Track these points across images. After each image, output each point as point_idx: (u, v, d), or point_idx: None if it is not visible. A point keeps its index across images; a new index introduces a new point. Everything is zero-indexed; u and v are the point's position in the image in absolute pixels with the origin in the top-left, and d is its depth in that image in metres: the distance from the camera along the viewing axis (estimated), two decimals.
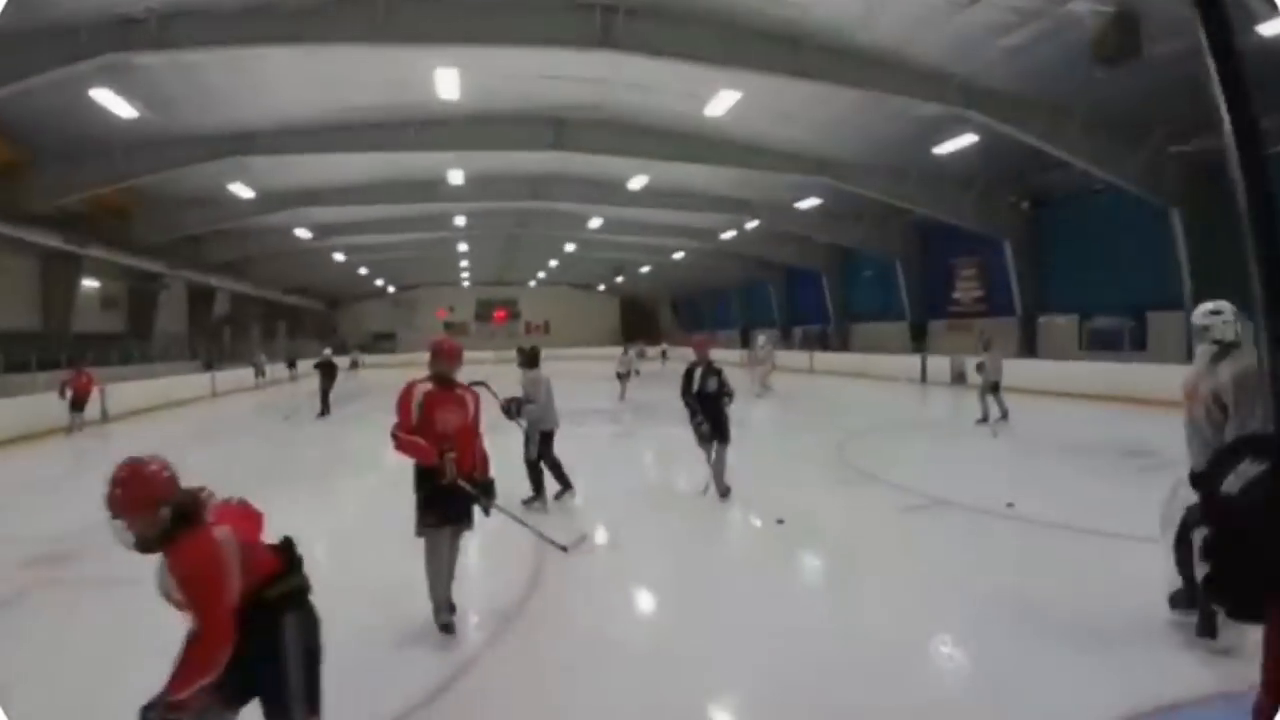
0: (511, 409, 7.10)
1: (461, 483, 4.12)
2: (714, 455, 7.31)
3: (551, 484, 7.36)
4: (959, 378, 21.88)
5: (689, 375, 7.32)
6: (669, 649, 4.08)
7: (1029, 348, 21.82)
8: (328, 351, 19.09)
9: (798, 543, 6.20)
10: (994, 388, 13.05)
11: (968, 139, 15.87)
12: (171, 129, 16.01)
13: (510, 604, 4.71)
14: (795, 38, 12.93)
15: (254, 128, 16.77)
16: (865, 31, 12.74)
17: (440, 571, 4.18)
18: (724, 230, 29.54)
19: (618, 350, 42.80)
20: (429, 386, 4.20)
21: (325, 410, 16.93)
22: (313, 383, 17.64)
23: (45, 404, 14.13)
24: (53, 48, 11.31)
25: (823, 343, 33.03)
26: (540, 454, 7.30)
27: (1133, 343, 18.70)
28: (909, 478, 8.36)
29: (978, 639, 4.10)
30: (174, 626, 2.19)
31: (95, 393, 15.25)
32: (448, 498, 4.11)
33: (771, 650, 3.96)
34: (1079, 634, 3.98)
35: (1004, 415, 12.88)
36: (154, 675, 2.10)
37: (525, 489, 7.09)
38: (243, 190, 20.46)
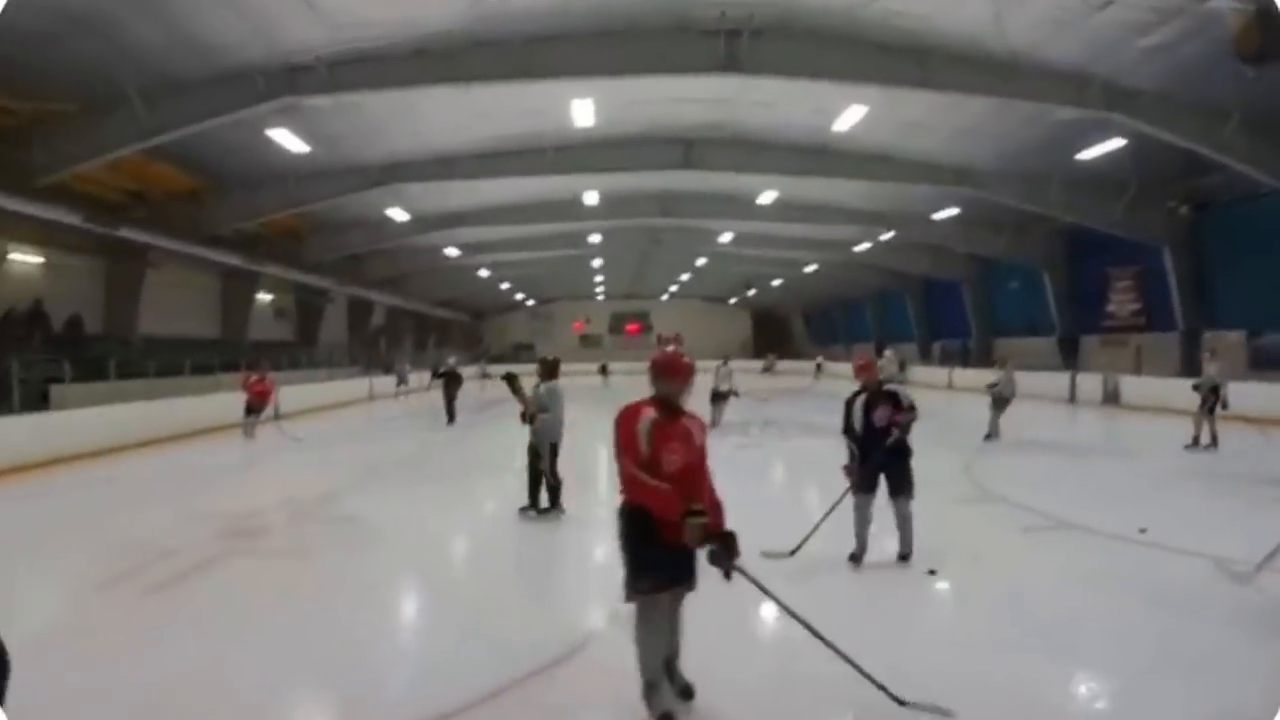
0: (527, 417, 7.37)
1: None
2: (870, 510, 5.69)
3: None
4: (1112, 397, 20.60)
5: (849, 407, 5.82)
6: None
7: (1191, 366, 20.18)
8: (452, 361, 19.47)
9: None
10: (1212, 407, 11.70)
11: (1115, 143, 15.04)
12: (336, 160, 17.89)
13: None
14: (921, 49, 12.85)
15: (408, 158, 18.46)
16: (994, 37, 12.48)
17: (656, 647, 3.33)
18: (857, 242, 29.09)
19: (753, 363, 43.17)
20: (654, 413, 3.34)
21: (451, 418, 17.18)
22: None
23: (228, 402, 15.85)
24: (233, 92, 12.96)
25: (963, 358, 31.69)
26: (551, 467, 7.41)
27: None
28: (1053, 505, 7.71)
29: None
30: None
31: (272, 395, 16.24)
32: (674, 556, 3.22)
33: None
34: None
35: (1213, 442, 11.60)
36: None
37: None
38: (398, 214, 22.38)
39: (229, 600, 5.17)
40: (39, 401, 13.39)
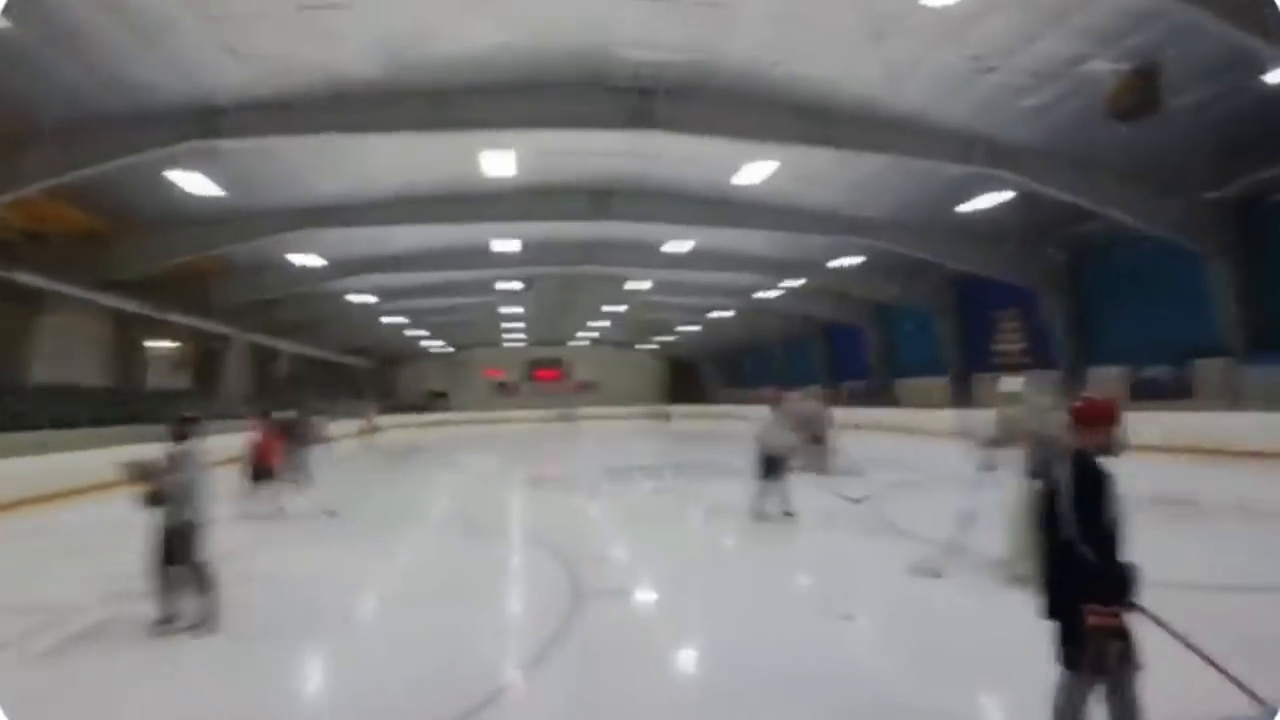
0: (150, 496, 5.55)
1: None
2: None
3: None
4: None
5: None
6: None
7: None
8: (294, 413, 15.21)
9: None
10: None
11: (1001, 195, 16.29)
12: (249, 204, 17.42)
13: None
14: (825, 109, 13.79)
15: (324, 203, 18.16)
16: (891, 99, 13.51)
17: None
18: (764, 289, 30.26)
19: (666, 407, 44.01)
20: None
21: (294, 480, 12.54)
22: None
23: (124, 455, 14.91)
24: (148, 132, 12.58)
25: (867, 398, 33.13)
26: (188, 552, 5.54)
27: (1176, 390, 18.66)
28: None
29: None
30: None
31: None
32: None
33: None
34: None
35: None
36: None
37: None
38: (312, 259, 21.85)
39: (115, 668, 4.96)
40: None
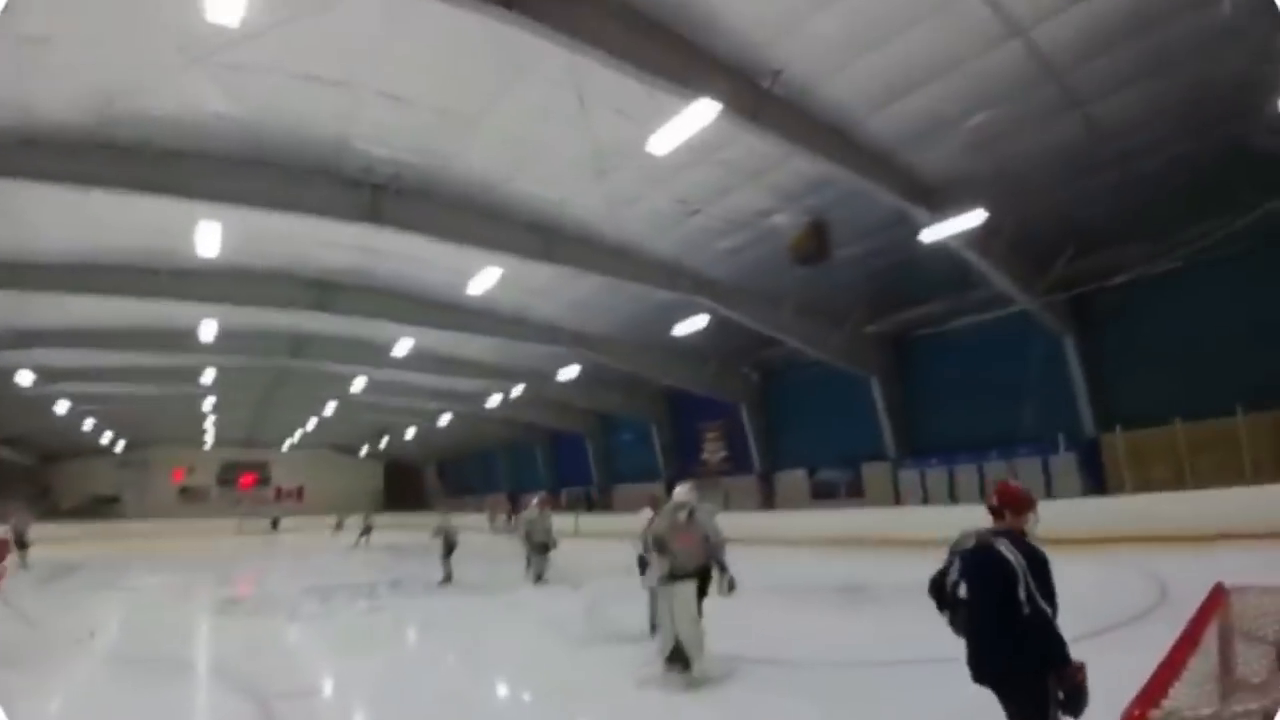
0: None
1: None
2: None
3: None
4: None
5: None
6: None
7: (768, 501, 24.32)
8: None
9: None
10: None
11: (701, 319, 18.30)
12: None
13: None
14: (551, 228, 14.76)
15: None
16: (610, 227, 14.82)
17: None
18: (489, 396, 30.34)
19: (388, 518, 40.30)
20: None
21: None
22: None
23: None
24: None
25: (588, 503, 34.09)
26: None
27: (850, 490, 21.72)
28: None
29: None
30: None
31: None
32: None
33: None
34: None
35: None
36: None
37: None
38: None
39: None
40: None
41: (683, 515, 6.53)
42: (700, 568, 6.53)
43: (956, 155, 12.03)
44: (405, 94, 10.78)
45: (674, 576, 6.31)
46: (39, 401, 28.99)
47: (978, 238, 13.19)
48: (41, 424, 34.26)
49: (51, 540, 27.08)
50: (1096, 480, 15.88)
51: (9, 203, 13.08)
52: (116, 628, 11.30)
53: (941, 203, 12.63)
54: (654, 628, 7.32)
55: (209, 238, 13.01)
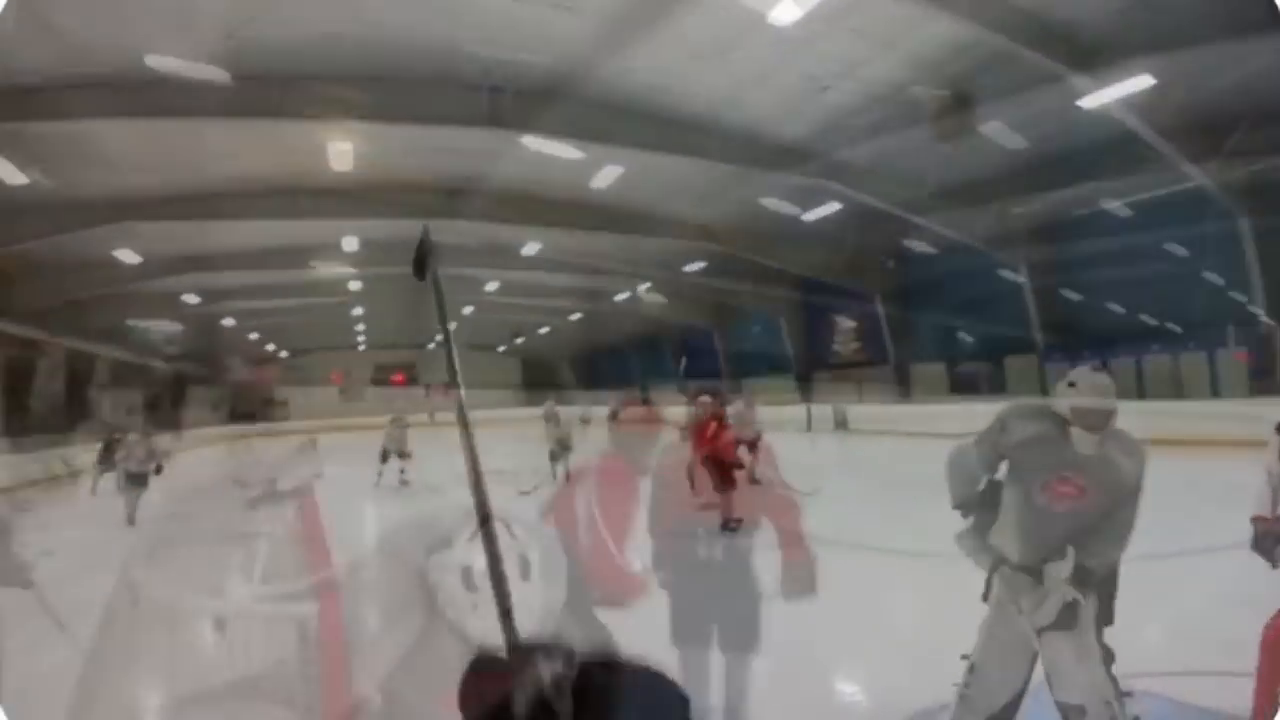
0: None
1: None
2: None
3: None
4: (841, 423, 23.37)
5: None
6: None
7: (904, 393, 23.54)
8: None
9: None
10: None
11: (833, 205, 17.41)
12: (58, 194, 15.31)
13: None
14: (670, 119, 14.10)
15: (144, 194, 16.34)
16: (735, 111, 14.04)
17: None
18: (618, 292, 30.54)
19: (524, 411, 42.71)
20: None
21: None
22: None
23: None
24: None
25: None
26: None
27: (992, 386, 20.61)
28: None
29: None
30: None
31: None
32: None
33: None
34: None
35: None
36: None
37: None
38: (129, 255, 19.79)
39: None
40: None
41: None
42: None
43: (1119, 11, 10.47)
44: None
45: None
46: (207, 320, 31.86)
47: (1143, 105, 11.64)
48: (212, 340, 37.80)
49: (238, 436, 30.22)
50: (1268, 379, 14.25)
51: (172, 141, 13.95)
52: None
53: (1102, 67, 11.14)
54: None
55: (341, 155, 13.43)
